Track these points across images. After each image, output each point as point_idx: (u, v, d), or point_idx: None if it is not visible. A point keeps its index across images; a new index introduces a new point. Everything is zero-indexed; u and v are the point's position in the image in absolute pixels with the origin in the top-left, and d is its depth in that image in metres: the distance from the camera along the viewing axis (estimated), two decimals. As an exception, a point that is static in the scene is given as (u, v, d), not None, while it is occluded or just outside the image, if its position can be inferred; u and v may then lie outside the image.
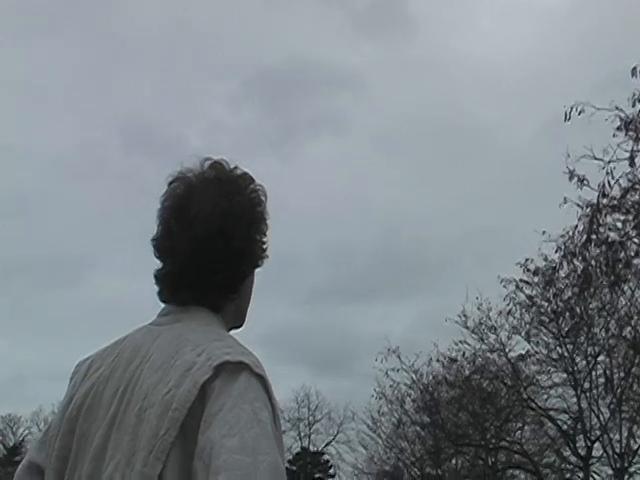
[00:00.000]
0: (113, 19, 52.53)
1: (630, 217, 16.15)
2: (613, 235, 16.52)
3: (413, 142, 48.92)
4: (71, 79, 54.16)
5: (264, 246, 2.08)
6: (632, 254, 17.06)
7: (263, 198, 2.09)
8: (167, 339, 1.91)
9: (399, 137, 49.76)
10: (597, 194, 15.14)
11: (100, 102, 54.27)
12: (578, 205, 15.84)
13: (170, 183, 2.06)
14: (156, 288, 2.05)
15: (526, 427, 27.59)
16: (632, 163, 14.53)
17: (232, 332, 2.07)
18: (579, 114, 14.42)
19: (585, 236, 15.98)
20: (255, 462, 1.63)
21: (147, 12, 52.34)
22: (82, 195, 51.31)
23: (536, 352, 24.78)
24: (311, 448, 45.46)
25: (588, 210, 15.71)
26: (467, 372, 26.64)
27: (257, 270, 2.12)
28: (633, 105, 14.17)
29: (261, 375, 1.80)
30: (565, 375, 24.76)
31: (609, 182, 14.83)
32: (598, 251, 16.99)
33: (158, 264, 2.03)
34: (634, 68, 13.43)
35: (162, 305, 2.06)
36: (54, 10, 51.31)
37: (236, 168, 2.09)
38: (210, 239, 1.96)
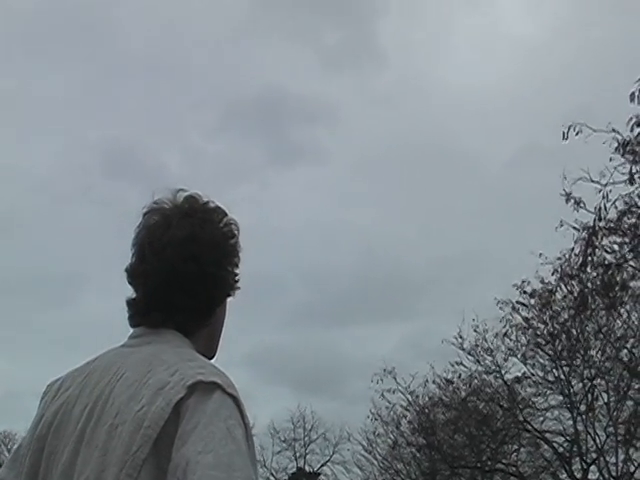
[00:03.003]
0: (98, 47, 53.06)
1: (627, 240, 16.17)
2: (610, 258, 16.53)
3: (391, 168, 49.31)
4: (56, 103, 54.51)
5: (236, 277, 2.11)
6: (629, 277, 17.08)
7: (236, 232, 2.12)
8: (139, 358, 1.92)
9: (376, 164, 50.19)
10: (594, 217, 15.14)
11: (83, 127, 54.61)
12: (574, 228, 15.85)
13: (145, 214, 2.09)
14: (127, 314, 2.07)
15: (522, 449, 27.45)
16: (632, 182, 14.53)
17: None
18: (577, 135, 14.47)
19: (581, 259, 15.96)
20: (230, 478, 1.64)
21: (130, 42, 52.95)
22: (68, 217, 51.65)
23: (532, 374, 24.79)
24: (307, 468, 45.22)
25: (584, 233, 15.70)
26: (463, 394, 26.58)
27: (229, 301, 2.15)
28: (631, 130, 14.20)
29: (234, 395, 1.81)
30: (561, 397, 24.72)
31: (605, 205, 14.84)
32: (595, 274, 16.99)
33: (131, 291, 2.06)
34: (632, 93, 13.45)
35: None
36: (38, 37, 51.73)
37: (209, 202, 2.12)
38: (182, 263, 1.99)
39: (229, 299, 2.14)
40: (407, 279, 44.91)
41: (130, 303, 2.06)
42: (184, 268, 1.98)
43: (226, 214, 2.12)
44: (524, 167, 38.39)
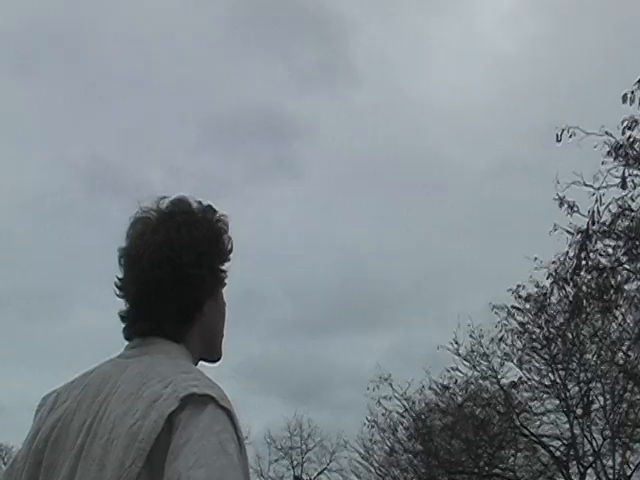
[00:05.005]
0: (80, 65, 53.26)
1: (621, 243, 16.17)
2: (604, 261, 16.54)
3: (372, 181, 49.88)
4: (39, 120, 54.86)
5: (221, 274, 2.11)
6: (623, 280, 17.08)
7: (224, 229, 2.11)
8: (134, 371, 1.91)
9: (357, 178, 50.82)
10: (587, 221, 15.14)
11: (66, 145, 54.85)
12: (568, 232, 15.84)
13: (132, 223, 2.09)
14: (122, 327, 2.08)
15: (519, 454, 27.42)
16: (624, 185, 14.55)
17: (208, 366, 2.09)
18: (570, 137, 14.48)
19: (575, 262, 15.96)
20: None
21: (112, 61, 53.45)
22: (53, 234, 51.99)
23: (528, 379, 24.75)
24: (304, 477, 45.15)
25: (579, 236, 15.70)
26: (459, 399, 26.56)
27: (225, 297, 2.14)
28: (623, 133, 14.23)
29: (227, 408, 1.80)
30: (557, 401, 24.69)
31: (598, 209, 14.85)
32: (589, 277, 17.01)
33: (123, 304, 2.06)
34: (625, 95, 13.46)
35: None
36: (22, 55, 52.02)
37: (195, 203, 2.12)
38: (157, 269, 1.99)
39: (225, 295, 2.14)
40: (392, 290, 45.07)
41: (122, 316, 2.06)
42: (159, 274, 1.98)
43: (214, 212, 2.12)
44: (509, 174, 38.74)
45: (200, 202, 2.12)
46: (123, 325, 2.06)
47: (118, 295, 2.05)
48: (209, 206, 2.12)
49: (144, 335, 2.01)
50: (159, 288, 1.98)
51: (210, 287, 2.09)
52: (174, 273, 1.99)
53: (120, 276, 2.05)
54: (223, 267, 2.10)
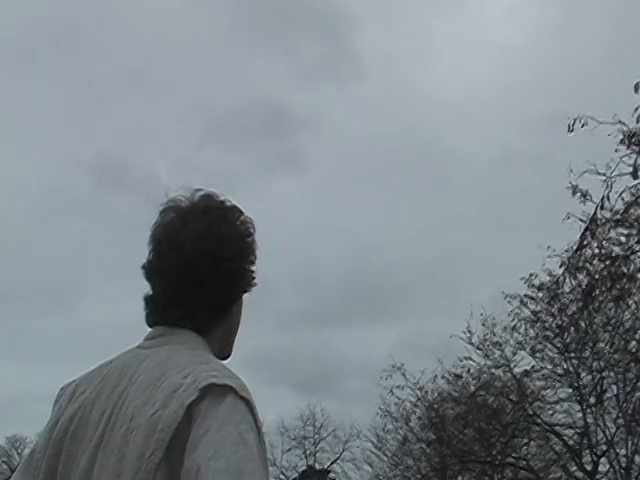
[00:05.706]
0: (87, 63, 53.62)
1: (634, 231, 16.12)
2: (617, 249, 16.49)
3: (377, 174, 50.28)
4: (47, 118, 55.22)
5: (252, 274, 2.11)
6: (636, 268, 17.03)
7: (252, 230, 2.12)
8: (154, 362, 1.91)
9: (363, 169, 51.34)
10: (596, 205, 15.09)
11: (72, 142, 55.02)
12: (581, 220, 15.79)
13: (161, 211, 2.09)
14: (144, 312, 2.07)
15: (532, 443, 27.43)
16: (635, 175, 14.50)
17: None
18: (582, 127, 14.42)
19: (578, 244, 15.93)
20: None
21: (119, 58, 53.72)
22: (62, 228, 52.32)
23: (541, 367, 24.77)
24: (317, 466, 45.27)
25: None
26: (472, 388, 26.58)
27: (245, 298, 2.14)
28: (637, 121, 14.14)
29: (246, 398, 1.80)
30: (570, 390, 24.70)
31: (608, 196, 14.78)
32: (602, 265, 16.94)
33: (148, 288, 2.05)
34: (637, 84, 13.39)
35: (149, 329, 2.06)
36: (30, 54, 52.25)
37: (226, 200, 2.12)
38: (199, 259, 1.99)
39: (245, 296, 2.13)
40: (398, 280, 45.31)
41: (148, 300, 2.05)
42: (201, 264, 1.98)
43: (242, 212, 2.12)
44: (514, 165, 38.81)
45: (228, 200, 2.13)
46: (147, 310, 2.06)
47: (147, 280, 2.05)
48: (237, 206, 2.13)
49: (171, 324, 2.00)
50: (199, 279, 1.98)
51: (242, 285, 2.10)
52: (214, 265, 1.99)
53: (151, 261, 2.05)
54: (253, 268, 2.11)
